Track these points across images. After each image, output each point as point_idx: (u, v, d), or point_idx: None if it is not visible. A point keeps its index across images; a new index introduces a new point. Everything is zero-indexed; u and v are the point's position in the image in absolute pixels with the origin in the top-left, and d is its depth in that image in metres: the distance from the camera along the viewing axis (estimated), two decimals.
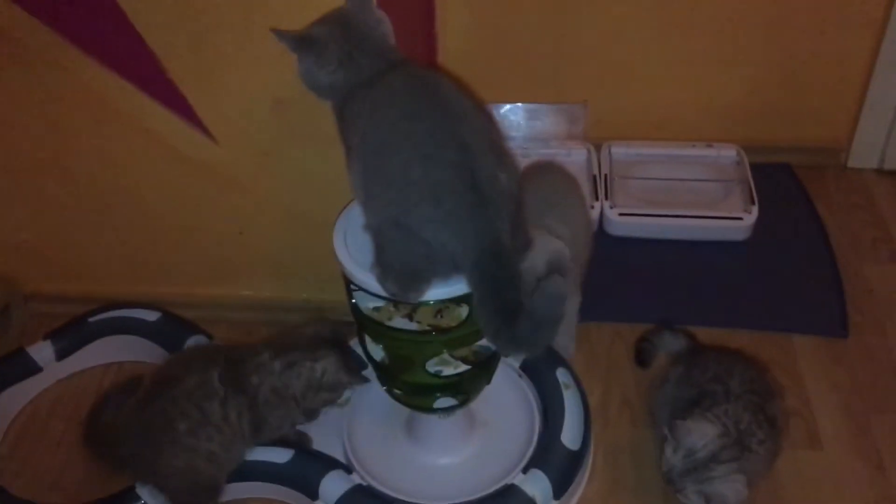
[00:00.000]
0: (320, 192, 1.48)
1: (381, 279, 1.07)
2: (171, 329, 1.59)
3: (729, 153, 1.95)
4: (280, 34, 1.13)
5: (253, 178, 1.49)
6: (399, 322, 1.18)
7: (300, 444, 1.41)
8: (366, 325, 1.21)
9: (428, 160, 1.01)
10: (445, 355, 1.20)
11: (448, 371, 1.22)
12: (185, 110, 1.41)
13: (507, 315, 0.99)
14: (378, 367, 1.26)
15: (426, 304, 1.12)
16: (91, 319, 1.61)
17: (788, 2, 1.83)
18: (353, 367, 1.37)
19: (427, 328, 1.16)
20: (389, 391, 1.31)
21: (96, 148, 1.49)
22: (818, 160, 2.03)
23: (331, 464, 1.36)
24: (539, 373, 1.46)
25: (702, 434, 1.24)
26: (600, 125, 2.00)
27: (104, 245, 1.64)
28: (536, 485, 1.30)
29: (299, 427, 1.42)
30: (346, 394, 1.45)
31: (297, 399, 1.35)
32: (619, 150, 1.96)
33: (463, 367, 1.22)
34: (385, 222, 1.05)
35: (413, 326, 1.17)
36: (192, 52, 1.34)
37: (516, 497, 1.29)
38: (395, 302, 1.19)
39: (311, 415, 1.40)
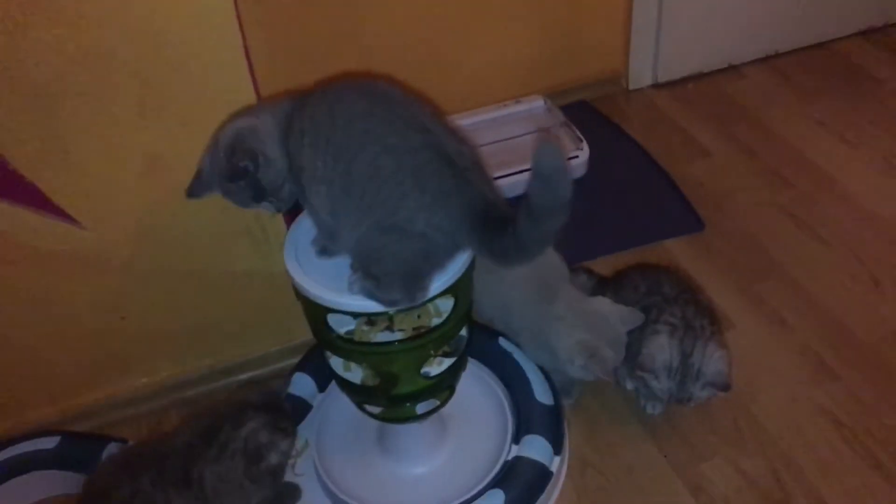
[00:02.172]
0: (211, 246, 1.39)
1: (381, 291, 1.03)
2: (77, 449, 1.39)
3: (537, 103, 2.08)
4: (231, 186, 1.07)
5: (130, 253, 1.34)
6: (383, 336, 1.14)
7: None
8: (344, 350, 1.15)
9: (396, 150, 0.98)
10: (433, 354, 1.18)
11: (435, 370, 1.20)
12: (37, 201, 1.23)
13: (512, 227, 0.96)
14: (357, 390, 1.21)
15: (404, 309, 1.09)
16: None
17: None
18: (285, 425, 1.25)
19: (413, 332, 1.13)
20: (367, 411, 1.26)
21: None
22: (606, 90, 2.23)
23: None
24: (482, 347, 1.47)
25: (660, 347, 1.34)
26: None
27: None
28: (536, 448, 1.32)
29: None
30: (301, 442, 1.38)
31: (245, 479, 1.23)
32: None
33: (448, 362, 1.20)
34: (370, 231, 1.00)
35: (398, 336, 1.13)
36: (37, 131, 1.17)
37: (523, 467, 1.30)
38: (369, 319, 1.15)
39: (273, 483, 1.28)
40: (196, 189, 1.11)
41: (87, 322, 1.40)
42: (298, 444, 1.39)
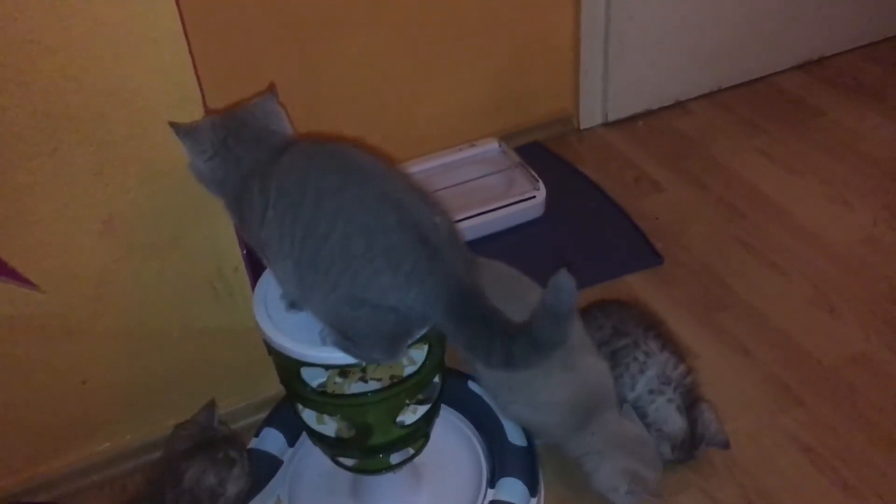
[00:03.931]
0: (173, 305, 1.37)
1: (359, 350, 1.02)
2: None
3: (492, 146, 2.10)
4: (172, 125, 1.08)
5: (90, 315, 1.31)
6: (357, 387, 1.13)
7: None
8: (318, 402, 1.13)
9: (368, 230, 0.95)
10: (408, 402, 1.17)
11: (410, 419, 1.19)
12: None
13: (506, 335, 0.96)
14: (331, 442, 1.19)
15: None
16: None
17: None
18: (223, 454, 1.23)
19: (390, 382, 1.12)
20: (341, 463, 1.24)
21: None
22: (558, 130, 2.27)
23: None
24: (452, 391, 1.45)
25: (680, 428, 1.36)
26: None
27: None
28: (512, 491, 1.31)
29: None
30: (273, 499, 1.35)
31: None
32: None
33: (422, 409, 1.20)
34: (338, 303, 0.98)
35: (375, 386, 1.12)
36: None
37: None
38: (341, 371, 1.14)
39: None
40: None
41: (47, 388, 1.35)
42: (270, 501, 1.36)
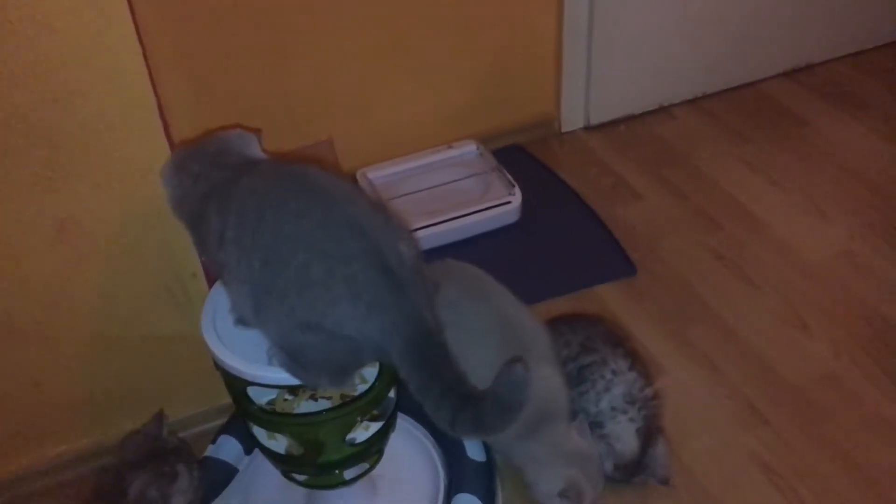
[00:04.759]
0: (129, 310, 1.36)
1: (306, 375, 0.99)
2: None
3: (469, 148, 2.07)
4: None
5: (43, 320, 1.29)
6: (307, 405, 1.11)
7: None
8: (265, 421, 1.11)
9: (328, 257, 0.92)
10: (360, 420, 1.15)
11: (362, 436, 1.17)
12: None
13: (457, 397, 0.92)
14: (282, 459, 1.17)
15: None
16: None
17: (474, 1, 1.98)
18: (169, 467, 1.21)
19: (341, 401, 1.11)
20: (294, 479, 1.22)
21: None
22: (539, 133, 2.24)
23: None
24: (413, 401, 1.43)
25: (632, 450, 1.35)
26: (346, 156, 2.02)
27: None
28: None
29: None
30: None
31: None
32: (376, 174, 2.00)
33: (375, 426, 1.18)
34: (292, 328, 0.95)
35: (326, 404, 1.10)
36: None
37: None
38: (291, 389, 1.12)
39: None
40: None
41: None
42: None
